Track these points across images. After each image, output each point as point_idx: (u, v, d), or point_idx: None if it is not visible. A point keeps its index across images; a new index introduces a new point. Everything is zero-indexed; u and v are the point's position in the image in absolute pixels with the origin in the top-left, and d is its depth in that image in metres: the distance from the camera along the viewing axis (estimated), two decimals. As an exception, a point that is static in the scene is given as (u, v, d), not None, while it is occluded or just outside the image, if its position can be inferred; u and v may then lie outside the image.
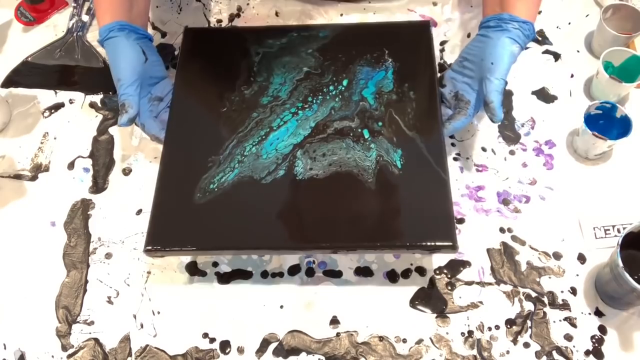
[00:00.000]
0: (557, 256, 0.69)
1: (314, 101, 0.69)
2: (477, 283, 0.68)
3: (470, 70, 0.69)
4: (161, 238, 0.62)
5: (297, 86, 0.70)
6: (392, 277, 0.68)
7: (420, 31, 0.75)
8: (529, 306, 0.66)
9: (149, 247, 0.62)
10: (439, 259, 0.69)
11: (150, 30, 0.84)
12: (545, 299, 0.66)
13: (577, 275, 0.68)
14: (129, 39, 0.68)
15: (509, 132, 0.77)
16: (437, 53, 0.79)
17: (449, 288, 0.68)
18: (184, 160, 0.66)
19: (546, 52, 0.84)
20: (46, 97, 0.84)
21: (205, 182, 0.64)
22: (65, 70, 0.85)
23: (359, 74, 0.71)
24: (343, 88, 0.70)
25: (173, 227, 0.63)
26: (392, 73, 0.71)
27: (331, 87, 0.70)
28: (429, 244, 0.60)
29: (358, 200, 0.63)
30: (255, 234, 0.62)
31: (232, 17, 0.89)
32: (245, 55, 0.73)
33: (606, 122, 0.73)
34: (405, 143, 0.66)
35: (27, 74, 0.85)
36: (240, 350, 0.65)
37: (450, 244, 0.60)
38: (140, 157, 0.78)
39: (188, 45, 0.75)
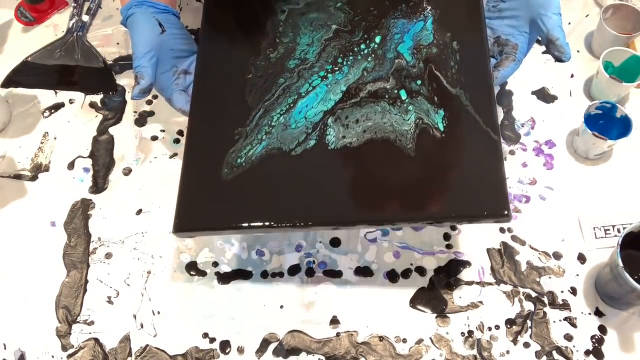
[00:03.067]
0: (557, 256, 0.69)
1: (344, 62, 0.63)
2: (477, 283, 0.68)
3: (513, 10, 0.63)
4: (190, 219, 0.58)
5: (326, 47, 0.64)
6: (392, 277, 0.68)
7: None
8: (529, 306, 0.66)
9: (179, 229, 0.58)
10: (439, 259, 0.69)
11: None
12: (545, 299, 0.66)
13: (577, 275, 0.68)
14: (145, 14, 0.65)
15: (509, 132, 0.77)
16: None
17: (449, 288, 0.68)
18: (210, 133, 0.62)
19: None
20: (46, 97, 0.84)
21: (232, 157, 0.59)
22: (65, 70, 0.85)
23: (394, 28, 0.64)
24: (376, 45, 0.63)
25: (202, 206, 0.59)
26: (431, 22, 0.63)
27: (362, 46, 0.63)
28: (478, 214, 0.54)
29: (397, 169, 0.57)
30: (289, 210, 0.57)
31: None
32: (271, 13, 0.67)
33: (606, 122, 0.73)
34: (448, 102, 0.59)
35: (27, 74, 0.84)
36: (240, 350, 0.65)
37: (504, 213, 0.53)
38: (140, 157, 0.78)
39: (210, 6, 0.70)
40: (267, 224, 0.57)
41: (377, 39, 0.64)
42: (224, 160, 0.59)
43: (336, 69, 0.63)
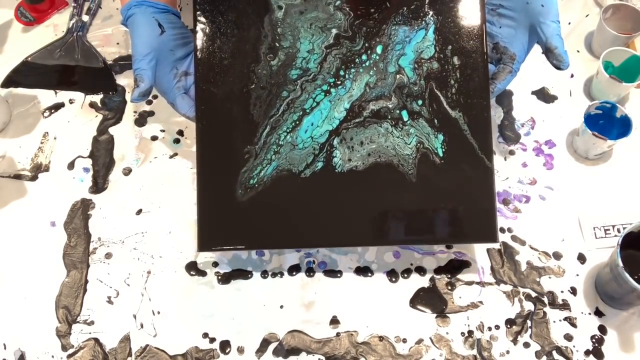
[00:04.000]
0: (557, 256, 0.69)
1: (347, 75, 0.65)
2: (477, 283, 0.68)
3: (511, 17, 0.64)
4: (211, 240, 0.64)
5: (327, 55, 0.65)
6: (392, 277, 0.68)
7: None
8: (529, 306, 0.66)
9: (202, 250, 0.65)
10: (439, 259, 0.69)
11: None
12: (545, 299, 0.66)
13: (577, 275, 0.68)
14: (144, 14, 0.65)
15: (509, 132, 0.77)
16: None
17: (449, 288, 0.68)
18: (220, 150, 0.65)
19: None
20: (46, 97, 0.84)
21: (245, 177, 0.64)
22: (65, 70, 0.85)
23: (395, 37, 0.64)
24: (377, 57, 0.64)
25: (221, 227, 0.64)
26: (433, 31, 0.64)
27: (364, 57, 0.64)
28: (470, 238, 0.65)
29: (399, 195, 0.63)
30: (301, 232, 0.64)
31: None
32: (267, 9, 0.66)
33: (606, 122, 0.73)
34: (447, 126, 0.63)
35: (27, 74, 0.84)
36: (240, 350, 0.65)
37: (493, 238, 0.63)
38: (140, 157, 0.78)
39: (203, 4, 0.67)
40: (284, 244, 0.67)
41: (379, 49, 0.64)
42: (237, 181, 0.64)
43: (338, 82, 0.64)
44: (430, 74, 0.64)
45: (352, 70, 0.64)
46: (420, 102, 0.64)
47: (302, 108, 0.64)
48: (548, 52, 0.61)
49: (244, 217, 0.64)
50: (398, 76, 0.64)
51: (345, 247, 0.70)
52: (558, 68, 0.62)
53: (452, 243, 0.69)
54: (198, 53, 0.65)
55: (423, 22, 0.64)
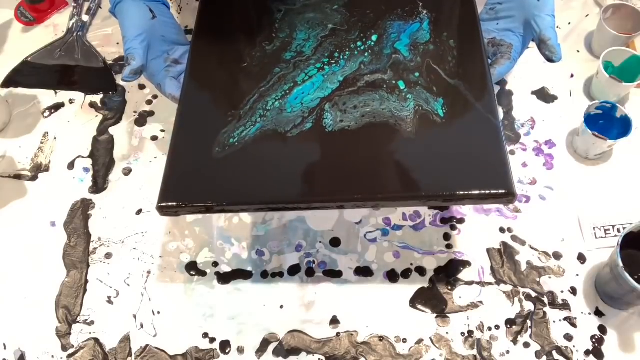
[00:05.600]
0: (557, 256, 0.69)
1: (341, 56, 0.62)
2: (477, 283, 0.68)
3: (508, 12, 0.65)
4: (176, 193, 0.55)
5: (322, 42, 0.63)
6: (392, 277, 0.68)
7: None
8: (529, 306, 0.66)
9: (163, 204, 0.55)
10: (439, 259, 0.69)
11: None
12: (545, 299, 0.66)
13: (577, 275, 0.68)
14: (135, 1, 0.65)
15: (509, 132, 0.77)
16: None
17: (449, 288, 0.68)
18: (201, 114, 0.60)
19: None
20: (46, 97, 0.84)
21: (224, 137, 0.58)
22: (65, 70, 0.85)
23: (390, 29, 0.64)
24: (372, 43, 0.63)
25: (190, 181, 0.56)
26: (428, 24, 0.64)
27: (359, 43, 0.63)
28: (482, 192, 0.53)
29: (398, 150, 0.56)
30: (282, 187, 0.55)
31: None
32: (266, 12, 0.67)
33: (606, 122, 0.73)
34: (447, 91, 0.59)
35: (27, 74, 0.85)
36: (240, 350, 0.65)
37: (506, 191, 0.52)
38: (140, 157, 0.78)
39: (204, 6, 0.69)
40: (259, 200, 0.55)
41: (374, 38, 0.64)
42: (216, 140, 0.58)
43: (333, 62, 0.62)
44: (426, 52, 0.62)
45: (347, 52, 0.63)
46: (417, 74, 0.60)
47: (294, 81, 0.61)
48: (541, 43, 0.61)
49: (217, 173, 0.56)
50: (394, 56, 0.62)
51: (344, 247, 0.70)
52: (550, 60, 0.61)
53: (459, 202, 0.60)
54: (194, 42, 0.65)
55: (418, 18, 0.65)
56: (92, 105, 0.83)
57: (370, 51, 0.63)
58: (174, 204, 0.55)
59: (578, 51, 0.84)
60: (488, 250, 0.70)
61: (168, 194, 0.55)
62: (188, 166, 0.57)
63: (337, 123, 0.58)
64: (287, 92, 0.60)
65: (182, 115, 0.60)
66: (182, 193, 0.55)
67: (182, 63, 0.67)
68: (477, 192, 0.53)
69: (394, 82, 0.60)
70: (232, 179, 0.56)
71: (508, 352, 0.64)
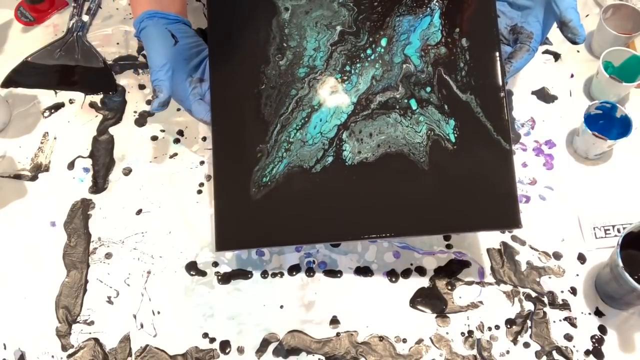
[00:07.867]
0: (557, 256, 0.69)
1: (352, 70, 0.64)
2: (477, 283, 0.68)
3: None
4: (228, 239, 0.63)
5: (332, 52, 0.65)
6: (392, 277, 0.68)
7: None
8: (529, 306, 0.66)
9: (220, 249, 0.64)
10: (439, 259, 0.69)
11: None
12: (545, 299, 0.66)
13: (577, 275, 0.68)
14: (157, 26, 0.66)
15: (509, 132, 0.77)
16: None
17: (449, 288, 0.68)
18: (233, 151, 0.65)
19: (546, 52, 0.84)
20: (46, 97, 0.84)
21: (258, 175, 0.63)
22: (65, 70, 0.85)
23: (399, 28, 0.64)
24: (382, 50, 0.64)
25: (237, 226, 0.63)
26: (439, 16, 0.64)
27: (369, 51, 0.64)
28: (491, 224, 0.62)
29: (413, 184, 0.62)
30: (315, 227, 0.63)
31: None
32: (274, 12, 0.67)
33: (606, 122, 0.73)
34: (458, 110, 0.62)
35: (27, 74, 0.84)
36: (240, 350, 0.65)
37: (515, 223, 0.60)
38: (141, 157, 0.78)
39: (214, 9, 0.69)
40: (299, 240, 0.66)
41: (383, 42, 0.64)
42: (251, 180, 0.63)
43: (345, 78, 0.64)
44: (438, 59, 0.63)
45: (358, 65, 0.64)
46: (428, 89, 0.63)
47: (311, 105, 0.64)
48: (563, 25, 0.59)
49: (259, 216, 0.63)
50: (404, 65, 0.64)
51: (344, 247, 0.70)
52: (573, 42, 0.60)
53: (470, 231, 0.67)
54: (211, 59, 0.67)
55: (428, 9, 0.64)
56: (92, 105, 0.83)
57: (380, 61, 0.64)
58: (228, 247, 0.65)
59: (578, 51, 0.84)
60: (488, 250, 0.70)
61: (222, 242, 0.63)
62: (233, 212, 0.64)
63: (355, 155, 0.63)
64: (306, 119, 0.64)
65: (217, 155, 0.65)
66: (233, 238, 0.64)
67: (206, 80, 0.69)
68: (485, 229, 0.64)
69: (405, 100, 0.63)
70: (272, 221, 0.63)
71: (508, 352, 0.64)
